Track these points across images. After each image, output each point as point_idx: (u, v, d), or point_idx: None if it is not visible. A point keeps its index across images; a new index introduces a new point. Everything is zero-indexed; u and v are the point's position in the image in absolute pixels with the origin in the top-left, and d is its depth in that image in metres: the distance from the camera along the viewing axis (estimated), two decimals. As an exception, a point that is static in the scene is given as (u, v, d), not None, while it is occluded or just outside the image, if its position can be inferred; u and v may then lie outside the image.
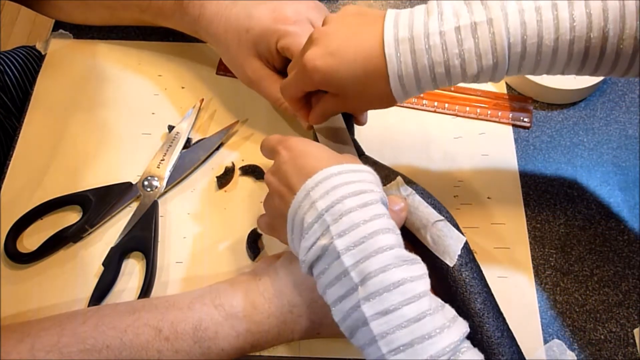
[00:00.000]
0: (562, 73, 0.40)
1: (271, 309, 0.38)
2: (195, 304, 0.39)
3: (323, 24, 0.42)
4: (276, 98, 0.50)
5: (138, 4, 0.55)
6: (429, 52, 0.37)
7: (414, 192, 0.42)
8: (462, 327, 0.34)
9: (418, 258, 0.35)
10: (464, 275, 0.40)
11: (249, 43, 0.49)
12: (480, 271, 0.41)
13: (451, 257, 0.40)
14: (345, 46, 0.38)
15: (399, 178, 0.43)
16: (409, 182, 0.43)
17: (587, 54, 0.37)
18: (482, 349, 0.36)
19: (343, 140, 0.47)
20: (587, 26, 0.36)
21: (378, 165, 0.45)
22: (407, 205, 0.42)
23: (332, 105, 0.43)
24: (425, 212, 0.41)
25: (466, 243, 0.41)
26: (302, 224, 0.35)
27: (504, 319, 0.40)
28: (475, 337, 0.38)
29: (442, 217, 0.41)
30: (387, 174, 0.43)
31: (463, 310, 0.39)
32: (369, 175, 0.38)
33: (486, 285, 0.41)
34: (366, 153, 0.47)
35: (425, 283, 0.34)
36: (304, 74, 0.40)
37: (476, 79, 0.39)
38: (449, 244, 0.41)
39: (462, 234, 0.42)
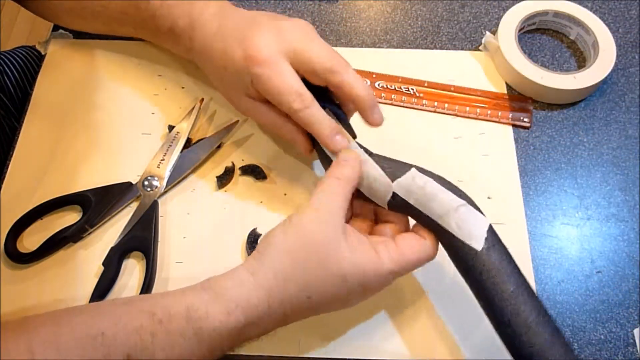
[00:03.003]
0: None
1: (256, 280, 0.39)
2: (187, 290, 0.40)
3: None
4: (272, 126, 0.49)
5: (134, 23, 0.54)
6: None
7: (430, 179, 0.42)
8: None
9: None
10: (492, 258, 0.39)
11: (229, 81, 0.48)
12: (508, 252, 0.41)
13: (478, 241, 0.40)
14: None
15: (413, 169, 0.42)
16: (423, 171, 0.43)
17: None
18: (520, 331, 0.37)
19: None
20: None
21: (390, 160, 0.44)
22: (363, 162, 0.44)
23: None
24: (446, 198, 0.41)
25: (490, 225, 0.41)
26: None
27: (537, 297, 0.40)
28: (512, 320, 0.38)
29: (464, 202, 0.41)
30: (399, 167, 0.43)
31: (496, 294, 0.39)
32: None
33: (516, 267, 0.40)
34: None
35: None
36: None
37: None
38: (474, 228, 0.40)
39: (484, 215, 0.41)
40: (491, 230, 0.41)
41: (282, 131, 0.49)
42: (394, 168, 0.43)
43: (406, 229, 0.45)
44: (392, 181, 0.42)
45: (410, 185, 0.42)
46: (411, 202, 0.42)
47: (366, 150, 0.46)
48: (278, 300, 0.39)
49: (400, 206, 0.43)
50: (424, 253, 0.41)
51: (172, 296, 0.39)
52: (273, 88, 0.45)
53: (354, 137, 0.47)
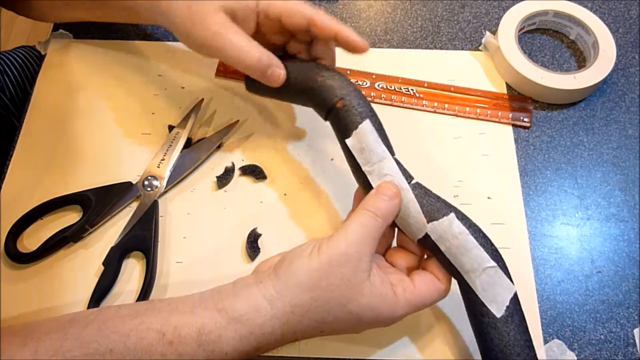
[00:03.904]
0: None
1: (273, 311, 0.38)
2: (198, 308, 0.39)
3: None
4: (241, 49, 0.46)
5: None
6: None
7: (466, 230, 0.40)
8: None
9: None
10: (509, 328, 0.39)
11: (232, 7, 0.46)
12: (525, 323, 0.40)
13: (499, 308, 0.39)
14: None
15: (452, 215, 0.41)
16: (462, 218, 0.41)
17: None
18: None
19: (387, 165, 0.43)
20: None
21: (429, 196, 0.42)
22: (402, 197, 0.41)
23: None
24: (477, 255, 0.40)
25: (515, 293, 0.40)
26: None
27: None
28: None
29: (494, 264, 0.40)
30: (438, 207, 0.41)
31: None
32: None
33: (529, 339, 0.40)
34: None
35: None
36: None
37: None
38: (499, 293, 0.39)
39: (512, 281, 0.40)
40: (515, 298, 0.40)
41: (267, 55, 0.46)
42: (433, 207, 0.41)
43: (422, 260, 0.44)
44: (428, 221, 0.41)
45: (445, 232, 0.40)
46: (442, 248, 0.41)
47: (407, 176, 0.43)
48: (292, 331, 0.39)
49: (428, 247, 0.42)
50: (438, 297, 0.42)
51: (181, 314, 0.38)
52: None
53: (392, 153, 0.44)
